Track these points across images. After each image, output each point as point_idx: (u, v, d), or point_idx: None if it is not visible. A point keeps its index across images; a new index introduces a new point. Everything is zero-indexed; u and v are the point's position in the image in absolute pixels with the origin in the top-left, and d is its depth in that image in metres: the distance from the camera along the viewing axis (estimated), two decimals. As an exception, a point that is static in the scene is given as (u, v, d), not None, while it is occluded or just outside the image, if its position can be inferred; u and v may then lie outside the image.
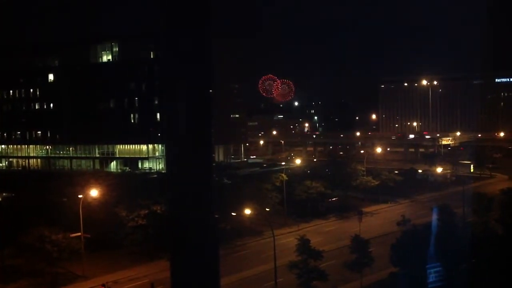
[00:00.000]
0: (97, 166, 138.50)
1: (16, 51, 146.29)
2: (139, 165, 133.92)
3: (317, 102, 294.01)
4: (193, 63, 7.03)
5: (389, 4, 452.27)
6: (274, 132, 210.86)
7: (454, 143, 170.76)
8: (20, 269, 59.62)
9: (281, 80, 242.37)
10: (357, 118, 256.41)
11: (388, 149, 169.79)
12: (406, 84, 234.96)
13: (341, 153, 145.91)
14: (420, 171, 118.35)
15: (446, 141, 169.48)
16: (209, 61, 7.14)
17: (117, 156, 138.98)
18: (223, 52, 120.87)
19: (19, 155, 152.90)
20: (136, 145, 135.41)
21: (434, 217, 60.38)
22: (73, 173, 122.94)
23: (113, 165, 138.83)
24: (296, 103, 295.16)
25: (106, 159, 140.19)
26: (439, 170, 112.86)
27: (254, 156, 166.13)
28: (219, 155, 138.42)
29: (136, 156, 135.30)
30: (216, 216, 7.83)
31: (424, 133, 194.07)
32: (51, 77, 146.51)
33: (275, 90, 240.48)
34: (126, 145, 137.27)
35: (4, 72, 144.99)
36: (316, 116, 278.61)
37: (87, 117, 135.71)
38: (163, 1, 6.93)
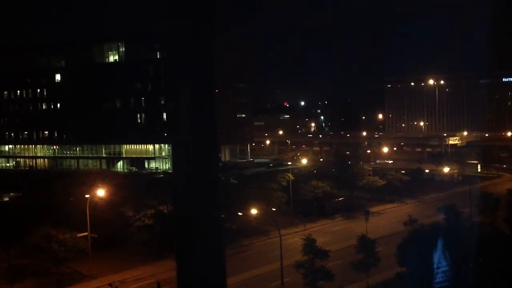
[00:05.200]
0: (104, 166, 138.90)
1: (23, 51, 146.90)
2: (146, 165, 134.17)
3: (323, 102, 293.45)
4: (198, 63, 7.04)
5: (395, 3, 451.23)
6: (280, 132, 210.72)
7: (461, 142, 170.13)
8: (27, 269, 59.77)
9: None
10: (363, 118, 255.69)
11: (395, 148, 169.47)
12: (412, 83, 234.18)
13: (347, 152, 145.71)
14: (427, 171, 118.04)
15: (453, 140, 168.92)
16: (214, 61, 7.15)
17: (124, 156, 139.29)
18: (228, 51, 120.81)
19: (26, 155, 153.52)
20: (142, 145, 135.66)
21: (441, 217, 60.29)
22: (80, 173, 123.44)
23: (119, 165, 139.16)
24: (302, 103, 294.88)
25: (112, 159, 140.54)
26: (446, 170, 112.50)
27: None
28: (225, 155, 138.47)
29: (143, 156, 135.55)
30: (222, 216, 7.84)
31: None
32: (57, 77, 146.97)
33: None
34: (132, 145, 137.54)
35: (11, 72, 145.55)
36: (322, 116, 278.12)
37: (93, 117, 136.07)
38: (168, 2, 6.94)
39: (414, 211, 77.67)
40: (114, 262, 62.40)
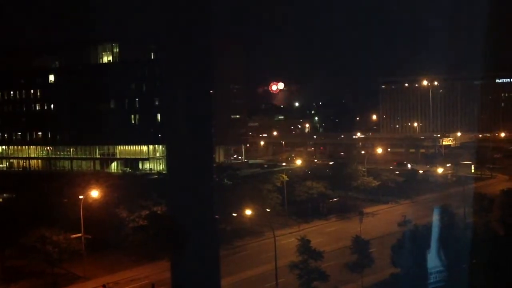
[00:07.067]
0: (98, 167, 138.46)
1: (17, 52, 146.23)
2: (140, 166, 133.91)
3: (318, 103, 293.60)
4: (194, 64, 7.04)
5: (389, 3, 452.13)
6: (275, 133, 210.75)
7: (455, 143, 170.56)
8: (21, 270, 59.65)
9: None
10: (357, 118, 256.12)
11: (389, 149, 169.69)
12: (407, 84, 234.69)
13: (342, 153, 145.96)
14: (421, 171, 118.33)
15: (446, 141, 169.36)
16: (209, 63, 7.14)
17: (118, 157, 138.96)
18: (223, 53, 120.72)
19: (20, 156, 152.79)
20: (136, 146, 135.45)
21: (435, 217, 60.45)
22: (74, 174, 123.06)
23: (113, 166, 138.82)
24: (297, 104, 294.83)
25: (106, 160, 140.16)
26: (439, 170, 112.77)
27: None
28: (220, 156, 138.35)
29: (137, 157, 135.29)
30: (217, 216, 7.84)
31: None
32: (51, 78, 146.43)
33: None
34: (126, 146, 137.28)
35: (4, 73, 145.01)
36: (317, 116, 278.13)
37: (87, 118, 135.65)
38: (164, 4, 6.94)
39: (408, 211, 77.94)
40: (108, 263, 62.31)
